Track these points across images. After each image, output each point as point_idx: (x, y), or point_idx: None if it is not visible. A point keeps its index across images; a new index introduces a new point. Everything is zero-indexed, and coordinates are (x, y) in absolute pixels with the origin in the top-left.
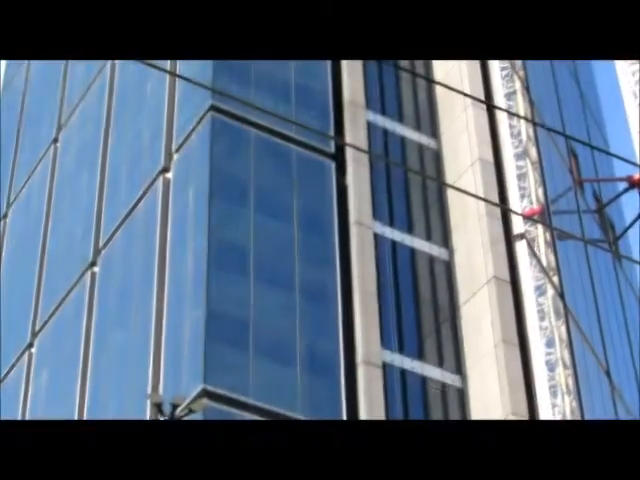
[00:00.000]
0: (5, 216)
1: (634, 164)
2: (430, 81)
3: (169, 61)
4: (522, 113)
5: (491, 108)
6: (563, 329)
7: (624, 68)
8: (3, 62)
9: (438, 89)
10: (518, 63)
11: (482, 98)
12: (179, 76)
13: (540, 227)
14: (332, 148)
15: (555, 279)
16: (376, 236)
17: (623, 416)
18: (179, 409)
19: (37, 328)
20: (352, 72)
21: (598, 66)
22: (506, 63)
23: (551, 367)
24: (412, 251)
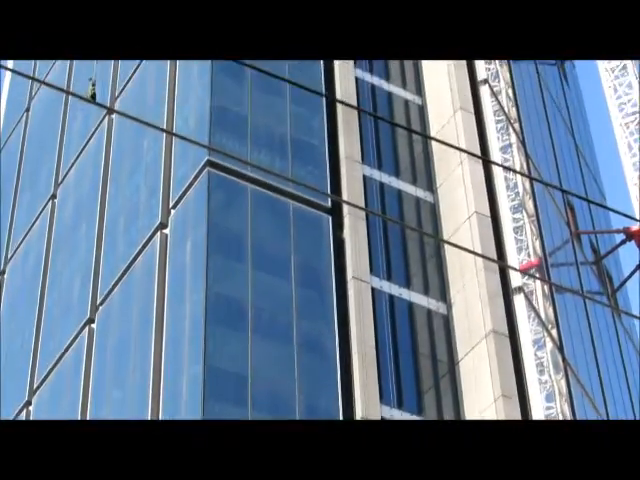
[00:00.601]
0: (2, 272)
1: (630, 217)
2: (425, 137)
3: (165, 117)
4: (518, 166)
5: (487, 161)
6: (563, 383)
7: (618, 119)
8: (0, 119)
9: (434, 142)
10: (513, 115)
11: (478, 151)
12: (176, 134)
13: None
14: (329, 202)
15: (554, 332)
16: (374, 290)
17: None
18: None
19: (35, 385)
20: (348, 127)
21: (593, 118)
22: (501, 116)
23: None
24: (410, 305)
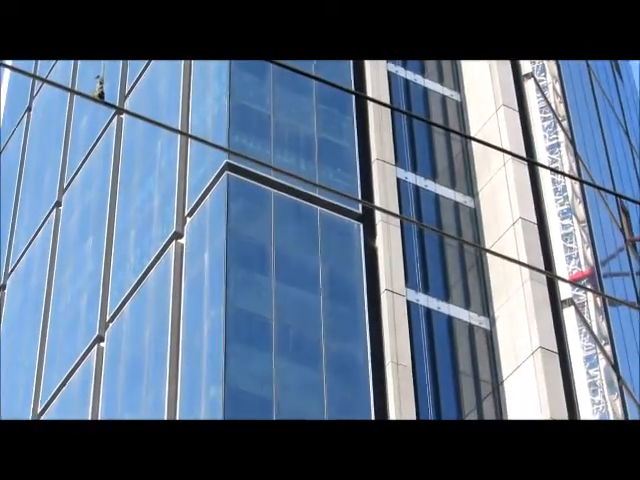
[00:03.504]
0: (3, 287)
1: None
2: (465, 136)
3: (180, 117)
4: (567, 168)
5: (532, 163)
6: (618, 403)
7: None
8: (0, 118)
9: (474, 142)
10: (561, 112)
11: (522, 152)
12: (191, 136)
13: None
14: (360, 209)
15: (607, 348)
16: (409, 304)
17: None
18: None
19: (39, 409)
20: (380, 126)
21: None
22: (548, 113)
23: None
24: (449, 320)
